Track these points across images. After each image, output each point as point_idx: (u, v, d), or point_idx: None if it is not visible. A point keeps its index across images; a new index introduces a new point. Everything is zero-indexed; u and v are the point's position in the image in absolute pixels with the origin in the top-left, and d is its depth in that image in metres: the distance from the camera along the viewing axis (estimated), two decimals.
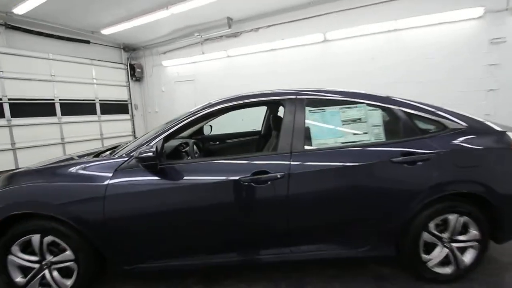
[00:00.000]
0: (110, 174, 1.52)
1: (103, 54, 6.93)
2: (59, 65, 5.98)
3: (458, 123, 1.67)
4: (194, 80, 6.68)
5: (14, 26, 5.31)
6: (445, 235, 1.65)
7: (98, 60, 6.74)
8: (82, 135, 6.41)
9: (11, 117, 5.26)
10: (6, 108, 5.20)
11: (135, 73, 7.42)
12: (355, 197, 1.56)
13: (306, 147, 1.61)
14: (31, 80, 5.54)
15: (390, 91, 1.99)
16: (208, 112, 1.71)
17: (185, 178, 1.55)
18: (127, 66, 7.42)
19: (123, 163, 1.55)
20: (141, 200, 1.51)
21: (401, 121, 1.66)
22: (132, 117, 7.62)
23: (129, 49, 7.40)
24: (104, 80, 6.87)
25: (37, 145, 5.66)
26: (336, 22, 4.64)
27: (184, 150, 2.11)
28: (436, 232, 1.64)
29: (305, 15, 4.88)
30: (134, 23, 5.39)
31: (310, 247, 1.62)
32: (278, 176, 1.52)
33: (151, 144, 1.54)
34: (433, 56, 4.09)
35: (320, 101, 1.72)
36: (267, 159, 1.62)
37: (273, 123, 2.47)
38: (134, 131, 7.65)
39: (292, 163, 1.55)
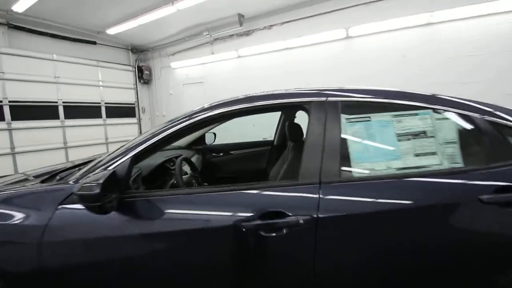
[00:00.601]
0: (52, 210, 1.03)
1: (110, 55, 6.67)
2: (64, 66, 5.74)
3: None
4: (203, 83, 6.29)
5: (17, 26, 5.09)
6: None
7: (105, 62, 6.48)
8: (86, 139, 6.14)
9: (12, 120, 5.01)
10: (7, 111, 4.96)
11: (143, 76, 7.12)
12: (422, 257, 1.00)
13: (343, 175, 1.07)
14: (34, 81, 5.30)
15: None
16: (202, 119, 1.20)
17: (158, 219, 1.04)
18: (135, 68, 7.12)
19: (72, 193, 1.06)
20: (95, 252, 1.02)
21: (487, 136, 1.09)
22: (139, 121, 7.31)
23: (137, 50, 7.12)
24: (110, 83, 6.58)
25: (38, 149, 5.40)
26: (361, 16, 4.08)
27: (173, 168, 1.61)
28: None
29: (325, 9, 4.35)
30: (140, 21, 5.05)
31: None
32: (300, 221, 0.98)
33: (106, 171, 1.02)
34: (478, 53, 3.43)
35: (362, 105, 1.17)
36: (282, 190, 1.09)
37: (289, 132, 1.96)
38: None
39: (321, 198, 1.01)
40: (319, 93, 1.19)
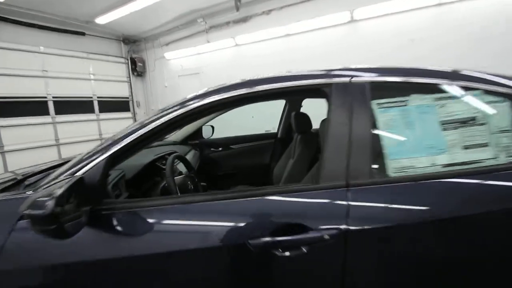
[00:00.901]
0: (7, 229, 0.81)
1: (101, 47, 6.36)
2: (52, 59, 5.45)
3: None
4: (199, 74, 6.02)
5: (1, 17, 4.77)
6: None
7: (96, 54, 6.19)
8: (79, 136, 5.90)
9: None
10: None
11: (136, 68, 6.81)
12: (489, 275, 0.79)
13: (376, 175, 0.85)
14: (20, 76, 5.02)
15: None
16: (196, 108, 0.97)
17: (138, 237, 0.82)
18: (127, 60, 6.82)
19: None
20: (63, 282, 0.80)
21: None
22: (134, 115, 7.06)
23: (129, 41, 6.79)
24: (102, 76, 6.31)
25: (28, 147, 5.16)
26: None
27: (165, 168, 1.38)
28: None
29: None
30: (130, 8, 4.74)
31: None
32: (325, 236, 0.77)
33: (70, 178, 0.78)
34: (496, 34, 3.18)
35: (395, 87, 0.94)
36: (298, 195, 0.86)
37: (295, 123, 1.75)
38: None
39: (351, 205, 0.80)
40: (340, 74, 0.95)
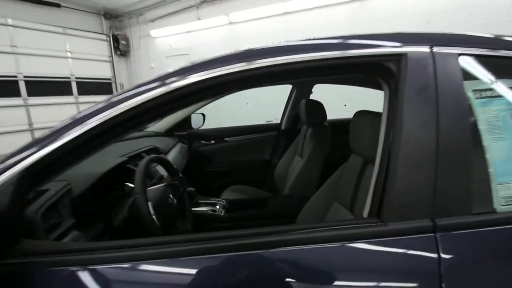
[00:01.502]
0: None
1: (79, 21, 5.75)
2: (23, 33, 4.87)
3: None
4: (189, 55, 5.57)
5: None
6: None
7: (73, 29, 5.60)
8: (56, 120, 5.33)
9: None
10: None
11: (119, 46, 6.24)
12: None
13: (481, 208, 0.52)
14: None
15: None
16: (169, 96, 0.63)
17: None
18: (109, 37, 6.22)
19: None
20: None
21: None
22: None
23: (111, 16, 6.18)
24: (81, 54, 5.76)
25: None
26: None
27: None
28: None
29: None
30: None
31: None
32: None
33: None
34: None
35: (502, 64, 0.59)
36: (352, 242, 0.51)
37: (307, 112, 1.43)
38: None
39: (443, 259, 0.47)
40: (413, 40, 0.59)
